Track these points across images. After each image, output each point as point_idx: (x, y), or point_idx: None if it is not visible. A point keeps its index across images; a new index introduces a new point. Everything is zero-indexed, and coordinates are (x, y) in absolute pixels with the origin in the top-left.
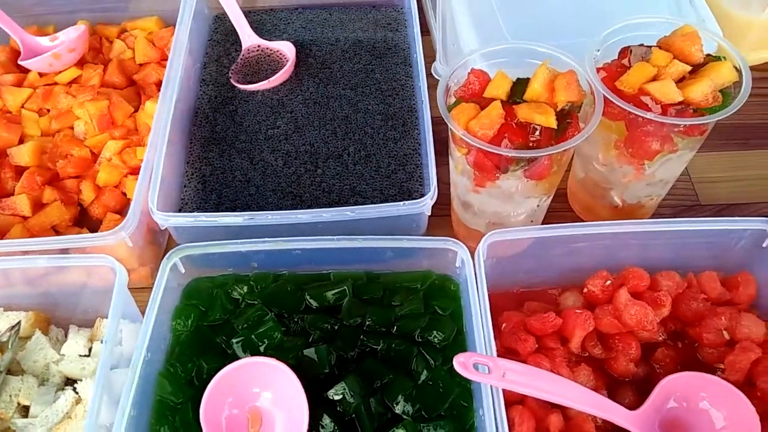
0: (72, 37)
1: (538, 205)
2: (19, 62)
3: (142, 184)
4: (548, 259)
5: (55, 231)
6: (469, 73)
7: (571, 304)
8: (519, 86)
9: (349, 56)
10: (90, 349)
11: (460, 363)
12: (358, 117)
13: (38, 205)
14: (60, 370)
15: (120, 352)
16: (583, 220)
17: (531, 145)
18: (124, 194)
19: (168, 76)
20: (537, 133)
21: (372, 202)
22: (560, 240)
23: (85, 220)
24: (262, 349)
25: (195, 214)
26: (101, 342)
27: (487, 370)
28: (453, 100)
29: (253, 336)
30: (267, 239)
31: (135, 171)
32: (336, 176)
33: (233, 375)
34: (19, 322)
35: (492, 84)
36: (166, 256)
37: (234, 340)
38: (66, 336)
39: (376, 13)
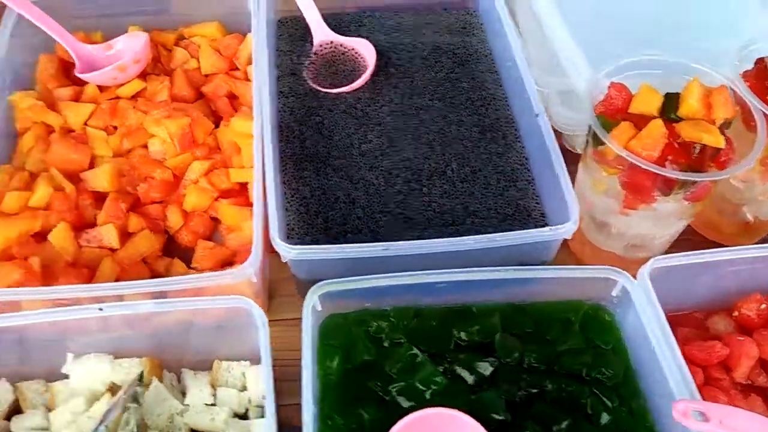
0: (136, 47)
1: (683, 226)
2: (79, 75)
3: (259, 213)
4: (695, 282)
5: (145, 263)
6: (609, 87)
7: (723, 329)
8: (670, 102)
9: (430, 63)
10: (214, 396)
11: (680, 412)
12: (452, 129)
13: (125, 235)
14: (186, 422)
15: (248, 399)
16: (704, 237)
17: (692, 165)
18: (212, 219)
19: (258, 90)
20: (697, 152)
21: (489, 223)
22: (714, 264)
23: (173, 249)
24: (427, 396)
25: (325, 246)
26: (223, 387)
27: (700, 416)
28: None
29: (416, 383)
30: (414, 273)
31: (226, 194)
32: (444, 195)
33: (411, 428)
34: (141, 373)
35: (639, 99)
36: (309, 294)
37: (393, 388)
38: (179, 381)
39: (448, 16)
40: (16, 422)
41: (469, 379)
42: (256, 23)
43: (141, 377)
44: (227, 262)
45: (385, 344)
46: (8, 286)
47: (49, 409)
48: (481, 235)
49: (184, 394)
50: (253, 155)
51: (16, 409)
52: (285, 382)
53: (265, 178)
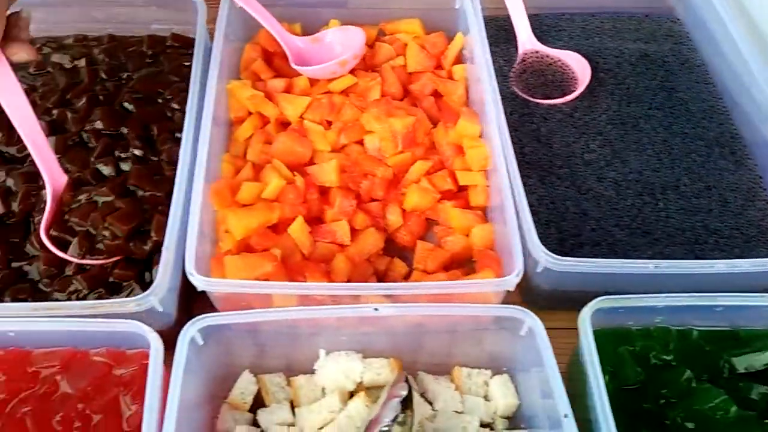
0: (353, 42)
1: None
2: (297, 68)
3: (511, 219)
4: None
5: (368, 261)
6: None
7: None
8: None
9: (641, 71)
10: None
11: None
12: (677, 142)
13: (352, 232)
14: (435, 428)
15: (494, 410)
16: None
17: None
18: (427, 220)
19: (487, 93)
20: None
21: (733, 243)
22: None
23: (390, 249)
24: (717, 423)
25: (594, 260)
26: (469, 395)
27: None
28: None
29: (703, 409)
30: (693, 294)
31: (448, 196)
32: (680, 210)
33: None
34: (406, 377)
35: None
36: (586, 309)
37: (676, 412)
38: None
39: (651, 23)
40: (263, 416)
41: (755, 407)
42: (475, 22)
43: (406, 380)
44: (447, 266)
45: (653, 365)
46: (259, 279)
47: (292, 404)
48: (760, 260)
49: (422, 396)
50: (480, 159)
51: (257, 402)
52: None
53: (512, 185)
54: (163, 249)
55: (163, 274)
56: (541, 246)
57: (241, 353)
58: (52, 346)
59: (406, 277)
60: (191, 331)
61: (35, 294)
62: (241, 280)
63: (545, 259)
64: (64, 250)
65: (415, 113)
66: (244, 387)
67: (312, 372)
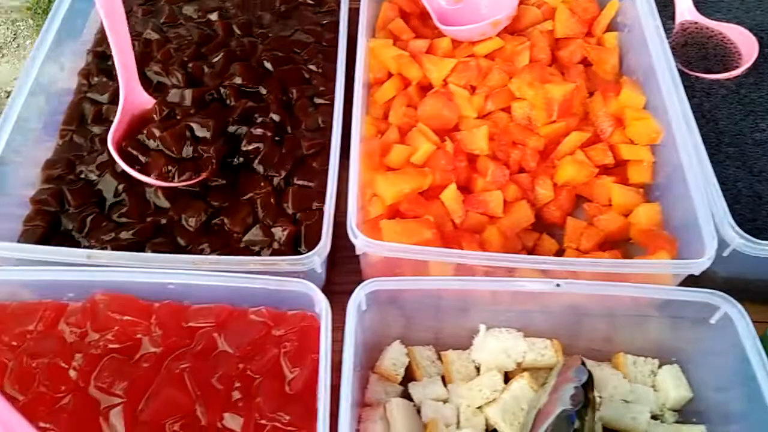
0: (504, 3)
1: None
2: (444, 28)
3: (699, 198)
4: None
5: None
6: None
7: None
8: None
9: None
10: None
11: None
12: None
13: (503, 204)
14: (601, 415)
15: (663, 401)
16: None
17: None
18: (578, 196)
19: (658, 62)
20: None
21: None
22: None
23: (535, 224)
24: None
25: None
26: (638, 384)
27: None
28: None
29: None
30: None
31: (606, 171)
32: None
33: None
34: (584, 365)
35: None
36: None
37: None
38: None
39: None
40: (415, 389)
41: None
42: None
43: (583, 363)
44: (602, 246)
45: None
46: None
47: (444, 379)
48: None
49: None
50: (648, 132)
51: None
52: None
53: (693, 162)
54: (326, 210)
55: (326, 235)
56: (736, 227)
57: (391, 323)
58: (207, 302)
59: (557, 255)
60: (360, 295)
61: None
62: (402, 244)
63: (738, 242)
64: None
65: (574, 80)
66: (396, 358)
67: (461, 348)
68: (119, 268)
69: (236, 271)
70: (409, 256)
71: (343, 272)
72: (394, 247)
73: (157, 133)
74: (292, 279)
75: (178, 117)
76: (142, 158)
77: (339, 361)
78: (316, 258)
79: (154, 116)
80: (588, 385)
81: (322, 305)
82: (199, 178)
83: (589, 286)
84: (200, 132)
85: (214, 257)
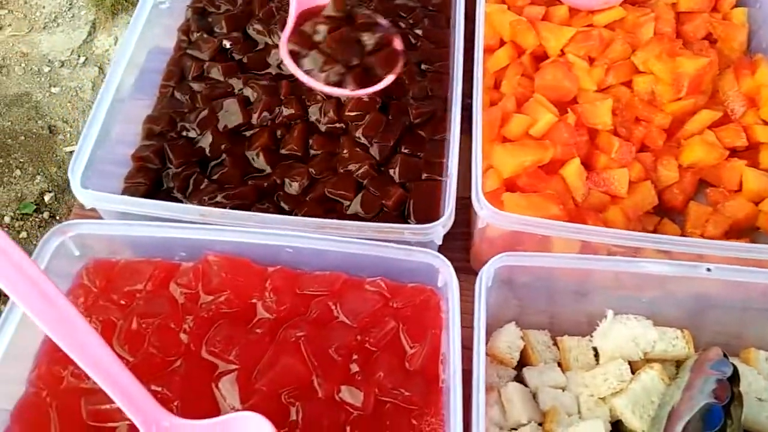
0: None
1: None
2: None
3: None
4: None
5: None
6: None
7: None
8: None
9: None
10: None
11: None
12: None
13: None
14: None
15: None
16: None
17: None
18: (703, 181)
19: None
20: None
21: None
22: None
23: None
24: None
25: None
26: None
27: None
28: None
29: None
30: None
31: (736, 155)
32: None
33: None
34: (725, 356)
35: None
36: None
37: None
38: None
39: None
40: (531, 374)
41: None
42: None
43: (725, 356)
44: (728, 233)
45: None
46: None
47: (561, 366)
48: None
49: None
50: None
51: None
52: None
53: None
54: (450, 179)
55: (450, 206)
56: None
57: (505, 303)
58: (321, 270)
59: None
60: (491, 270)
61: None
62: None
63: None
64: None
65: (708, 54)
66: (511, 341)
67: (577, 334)
68: (233, 227)
69: (354, 238)
70: (541, 231)
71: (446, 248)
72: (524, 220)
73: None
74: (419, 249)
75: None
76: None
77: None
78: (440, 228)
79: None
80: (734, 380)
81: (450, 280)
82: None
83: (741, 272)
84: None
85: (336, 221)
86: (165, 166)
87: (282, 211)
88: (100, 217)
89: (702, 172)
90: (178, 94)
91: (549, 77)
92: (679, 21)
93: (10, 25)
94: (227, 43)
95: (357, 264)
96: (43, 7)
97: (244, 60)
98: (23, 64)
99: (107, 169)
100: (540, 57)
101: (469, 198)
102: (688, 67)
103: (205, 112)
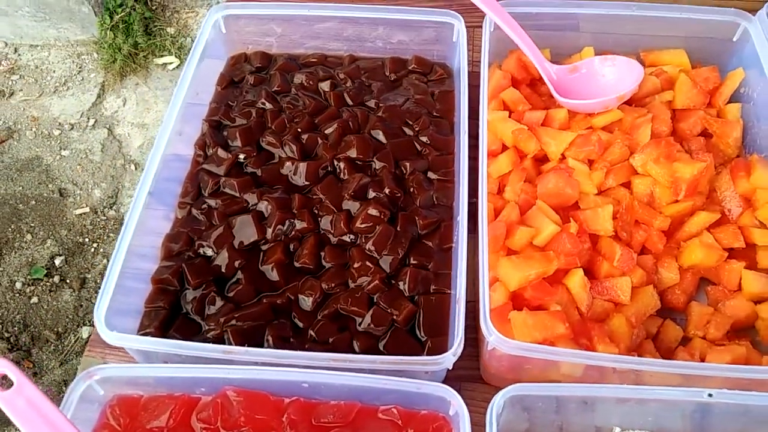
0: (628, 75)
1: None
2: (566, 101)
3: None
4: None
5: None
6: None
7: None
8: None
9: None
10: None
11: None
12: None
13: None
14: None
15: None
16: None
17: None
18: (704, 279)
19: None
20: None
21: None
22: None
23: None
24: None
25: None
26: None
27: None
28: None
29: None
30: None
31: (735, 255)
32: None
33: None
34: None
35: None
36: None
37: None
38: None
39: None
40: None
41: None
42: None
43: None
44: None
45: None
46: (548, 340)
47: None
48: None
49: None
50: None
51: None
52: None
53: None
54: (458, 305)
55: (459, 333)
56: None
57: (515, 421)
58: (337, 398)
59: (682, 343)
60: (501, 402)
61: (295, 334)
62: (534, 342)
63: None
64: None
65: (704, 158)
66: None
67: None
68: (250, 366)
69: (366, 370)
70: (545, 357)
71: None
72: (529, 347)
73: None
74: (430, 383)
75: None
76: None
77: None
78: (451, 357)
79: None
80: None
81: (461, 412)
82: None
83: (742, 395)
84: None
85: (349, 356)
86: (183, 287)
87: (296, 328)
88: None
89: (702, 272)
90: (195, 212)
91: (551, 185)
92: (675, 118)
93: (21, 90)
94: (242, 157)
95: (372, 391)
96: (54, 72)
97: (259, 173)
98: (34, 129)
99: (127, 284)
100: (542, 160)
101: (478, 302)
102: (685, 172)
103: (220, 230)
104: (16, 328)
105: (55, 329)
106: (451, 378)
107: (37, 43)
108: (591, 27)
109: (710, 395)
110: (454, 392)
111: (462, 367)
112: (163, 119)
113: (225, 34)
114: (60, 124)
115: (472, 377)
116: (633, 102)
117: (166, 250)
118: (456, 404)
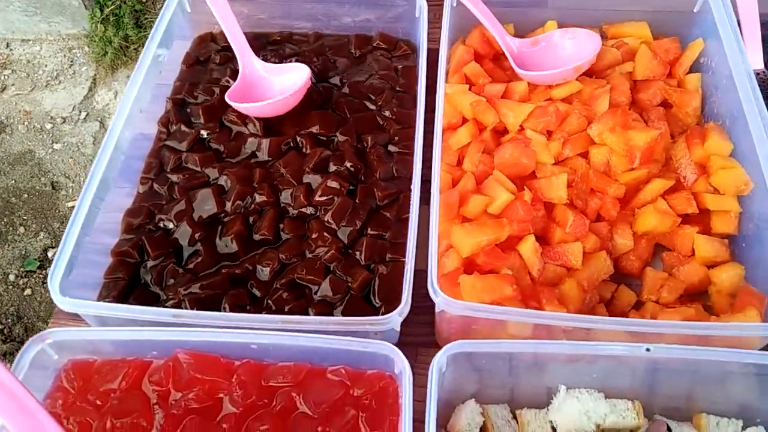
0: (585, 47)
1: None
2: (524, 74)
3: None
4: None
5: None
6: None
7: None
8: None
9: None
10: None
11: None
12: None
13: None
14: None
15: None
16: None
17: None
18: (657, 245)
19: (750, 107)
20: None
21: None
22: None
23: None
24: None
25: None
26: None
27: None
28: None
29: None
30: None
31: (689, 221)
32: None
33: None
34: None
35: None
36: None
37: None
38: None
39: None
40: None
41: None
42: (728, 28)
43: (669, 429)
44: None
45: None
46: (496, 302)
47: None
48: None
49: None
50: (736, 182)
51: None
52: None
53: None
54: (407, 267)
55: (407, 294)
56: None
57: (465, 381)
58: (286, 360)
59: (635, 308)
60: (443, 359)
61: (252, 303)
62: (482, 303)
63: None
64: None
65: (659, 126)
66: (471, 418)
67: (537, 406)
68: (201, 329)
69: (315, 331)
70: (491, 316)
71: (413, 323)
72: (475, 307)
73: None
74: (375, 341)
75: None
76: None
77: (417, 421)
78: (397, 317)
79: None
80: None
81: (404, 369)
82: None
83: (681, 350)
84: None
85: (298, 317)
86: (143, 260)
87: (253, 297)
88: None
89: (657, 238)
90: (156, 186)
91: (507, 155)
92: (636, 89)
93: (13, 84)
94: (204, 133)
95: (320, 352)
96: (45, 66)
97: (222, 149)
98: (26, 123)
99: (90, 258)
100: (501, 131)
101: None
102: (639, 140)
103: (181, 204)
104: (9, 320)
105: (49, 321)
106: (407, 344)
107: (28, 37)
108: (558, 2)
109: (648, 350)
110: (398, 351)
111: (419, 333)
112: (122, 98)
113: (190, 13)
114: (52, 117)
115: (429, 343)
116: (594, 74)
117: (126, 224)
118: (399, 362)
